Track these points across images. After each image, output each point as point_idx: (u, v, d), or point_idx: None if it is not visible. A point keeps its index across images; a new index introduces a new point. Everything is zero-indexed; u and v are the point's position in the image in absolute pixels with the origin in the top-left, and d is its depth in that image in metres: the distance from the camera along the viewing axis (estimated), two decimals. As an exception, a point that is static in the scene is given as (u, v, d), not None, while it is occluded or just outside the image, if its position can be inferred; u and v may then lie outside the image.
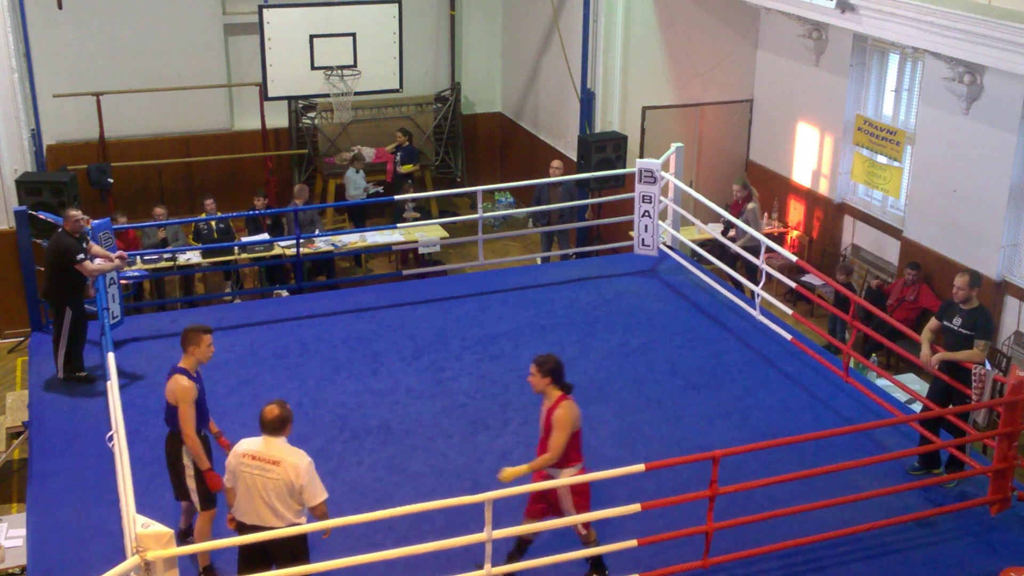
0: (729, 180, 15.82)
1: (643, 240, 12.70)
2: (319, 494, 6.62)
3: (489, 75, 18.74)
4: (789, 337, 10.69)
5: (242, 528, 6.69)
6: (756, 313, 11.07)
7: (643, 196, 12.42)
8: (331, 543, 6.92)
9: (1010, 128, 11.25)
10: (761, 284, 10.88)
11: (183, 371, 7.24)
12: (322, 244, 13.83)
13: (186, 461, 7.30)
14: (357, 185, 15.38)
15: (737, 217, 12.22)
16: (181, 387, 7.16)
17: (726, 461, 7.51)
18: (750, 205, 13.30)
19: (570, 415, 6.95)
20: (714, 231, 12.88)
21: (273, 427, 6.60)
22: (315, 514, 6.69)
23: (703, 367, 10.39)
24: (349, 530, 7.10)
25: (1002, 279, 11.61)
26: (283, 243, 13.61)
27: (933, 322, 8.70)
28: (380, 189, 15.81)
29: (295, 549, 6.64)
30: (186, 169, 16.68)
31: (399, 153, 16.03)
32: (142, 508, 6.78)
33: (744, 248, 11.71)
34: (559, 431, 6.92)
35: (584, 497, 7.12)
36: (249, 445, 6.64)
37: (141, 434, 8.70)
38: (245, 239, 13.93)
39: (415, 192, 15.05)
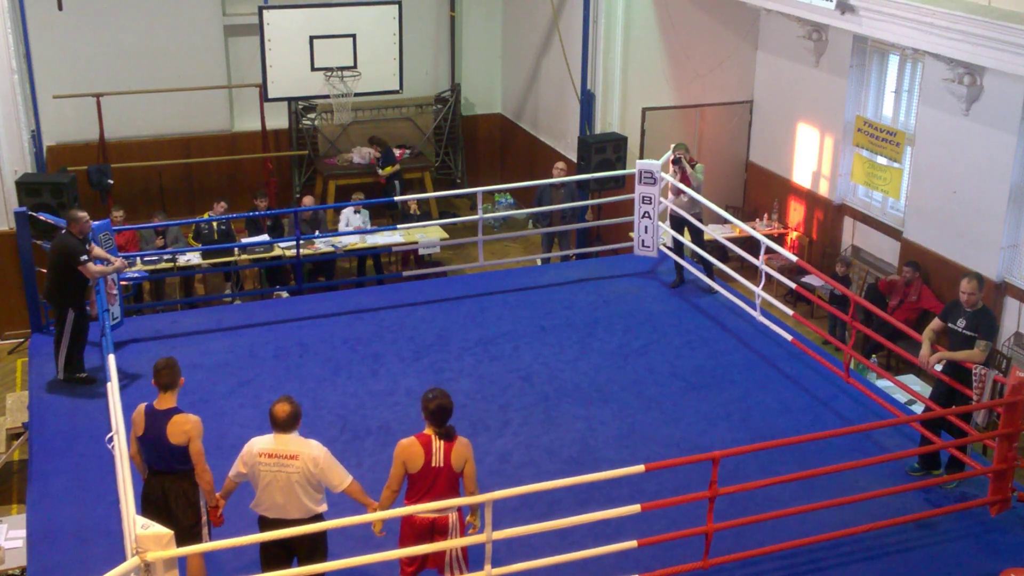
0: (730, 181, 15.88)
1: (643, 241, 12.71)
2: (344, 476, 6.72)
3: (489, 76, 18.75)
4: (789, 338, 10.69)
5: (264, 522, 6.73)
6: (756, 314, 11.07)
7: (643, 197, 12.42)
8: (333, 544, 6.94)
9: (1010, 129, 11.25)
10: (761, 285, 10.88)
11: (179, 409, 6.99)
12: (322, 245, 13.83)
13: (202, 503, 7.07)
14: (351, 224, 14.84)
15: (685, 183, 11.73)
16: (193, 423, 6.91)
17: (726, 462, 7.52)
18: (699, 165, 12.01)
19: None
20: (715, 232, 12.88)
21: (286, 425, 6.65)
22: (350, 494, 6.78)
23: (703, 368, 10.40)
24: (349, 531, 7.10)
25: (1002, 280, 11.61)
26: (283, 244, 13.62)
27: (936, 322, 8.69)
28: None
29: (316, 540, 6.75)
30: (186, 170, 16.68)
31: (379, 160, 16.09)
32: (140, 512, 6.80)
33: (692, 215, 11.73)
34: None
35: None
36: (264, 444, 6.67)
37: (141, 435, 8.70)
38: (245, 240, 13.94)
39: (404, 190, 15.06)
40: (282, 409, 6.64)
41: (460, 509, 6.81)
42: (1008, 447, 8.00)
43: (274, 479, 6.60)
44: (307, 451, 6.62)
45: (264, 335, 11.01)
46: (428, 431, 6.72)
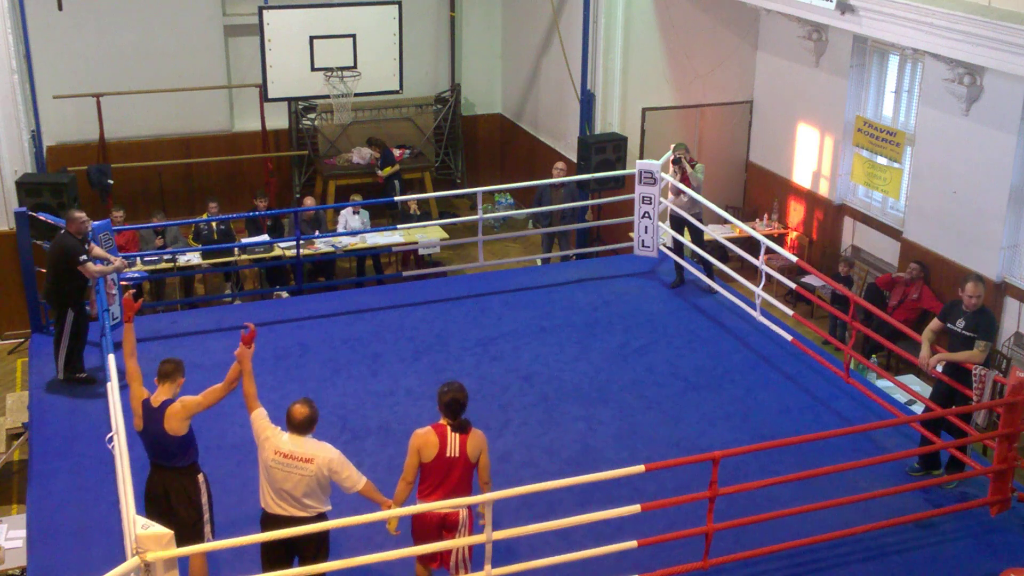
0: (730, 181, 15.88)
1: (643, 241, 12.71)
2: (359, 478, 6.73)
3: (489, 76, 18.75)
4: (789, 338, 10.69)
5: (267, 520, 6.74)
6: (756, 314, 11.07)
7: (643, 197, 12.42)
8: (334, 543, 6.94)
9: (1010, 129, 11.25)
10: (761, 285, 10.88)
11: (171, 400, 7.01)
12: (322, 245, 13.83)
13: (204, 500, 7.13)
14: (349, 225, 14.83)
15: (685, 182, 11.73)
16: (182, 404, 6.94)
17: (726, 462, 7.51)
18: (699, 165, 11.97)
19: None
20: (715, 232, 12.88)
21: (302, 427, 6.68)
22: (365, 494, 6.78)
23: (703, 368, 10.39)
24: (350, 531, 7.11)
25: (1002, 280, 11.61)
26: (283, 244, 13.62)
27: (935, 323, 8.68)
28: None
29: (320, 539, 6.77)
30: (186, 170, 16.68)
31: (379, 161, 16.11)
32: (142, 509, 6.79)
33: (692, 215, 11.72)
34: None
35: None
36: (280, 442, 6.69)
37: (141, 435, 8.69)
38: (245, 240, 13.93)
39: (404, 191, 15.11)
40: (299, 411, 6.68)
41: (471, 507, 6.82)
42: (1008, 447, 8.00)
43: (285, 477, 6.62)
44: (322, 454, 6.65)
45: (264, 335, 10.93)
46: (443, 422, 6.76)
